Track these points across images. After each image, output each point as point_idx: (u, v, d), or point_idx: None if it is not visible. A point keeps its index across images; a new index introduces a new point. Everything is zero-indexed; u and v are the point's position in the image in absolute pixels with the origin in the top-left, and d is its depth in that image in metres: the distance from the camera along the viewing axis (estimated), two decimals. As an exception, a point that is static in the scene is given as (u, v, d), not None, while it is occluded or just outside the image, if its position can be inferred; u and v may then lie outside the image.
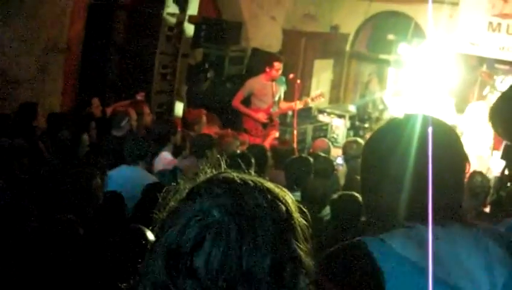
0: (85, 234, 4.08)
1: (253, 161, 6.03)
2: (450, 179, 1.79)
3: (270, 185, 1.38)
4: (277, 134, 9.81)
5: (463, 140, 1.95)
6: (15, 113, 7.18)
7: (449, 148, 1.82)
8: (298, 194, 5.69)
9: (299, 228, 1.36)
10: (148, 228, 3.38)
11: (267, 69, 9.44)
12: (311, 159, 6.59)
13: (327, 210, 5.63)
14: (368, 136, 1.98)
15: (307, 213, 1.42)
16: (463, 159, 1.86)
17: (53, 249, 3.85)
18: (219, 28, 11.90)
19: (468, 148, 2.03)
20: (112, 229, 4.53)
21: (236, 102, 9.59)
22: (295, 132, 9.89)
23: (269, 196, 1.33)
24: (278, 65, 9.39)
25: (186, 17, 10.01)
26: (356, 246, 1.72)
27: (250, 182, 1.35)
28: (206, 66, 11.28)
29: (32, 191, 5.30)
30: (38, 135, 6.89)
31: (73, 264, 3.89)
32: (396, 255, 1.67)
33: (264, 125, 9.58)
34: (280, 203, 1.34)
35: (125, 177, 5.94)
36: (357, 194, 5.04)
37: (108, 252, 3.76)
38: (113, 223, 4.88)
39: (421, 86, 9.99)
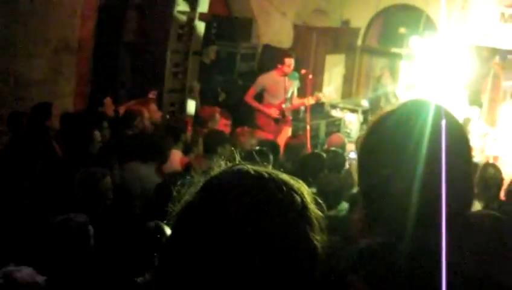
0: (95, 232, 4.10)
1: (271, 157, 6.03)
2: (462, 176, 1.73)
3: (285, 177, 1.37)
4: (290, 130, 9.79)
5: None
6: (29, 113, 7.20)
7: (460, 141, 1.77)
8: (314, 189, 5.68)
9: (315, 220, 1.35)
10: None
11: (279, 66, 9.40)
12: (324, 155, 6.60)
13: (343, 205, 5.62)
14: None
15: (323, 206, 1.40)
16: (470, 150, 1.81)
17: (65, 247, 3.87)
18: (230, 25, 11.90)
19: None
20: (121, 227, 4.56)
21: (249, 97, 9.58)
22: (308, 127, 9.87)
23: (284, 188, 1.32)
24: (288, 61, 9.36)
25: (197, 15, 10.00)
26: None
27: (265, 174, 1.33)
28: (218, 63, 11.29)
29: (46, 190, 5.34)
30: (52, 135, 6.90)
31: (85, 262, 3.91)
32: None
33: (276, 121, 9.56)
34: (295, 195, 1.33)
35: (138, 175, 5.95)
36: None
37: (126, 249, 3.77)
38: (123, 221, 4.90)
39: (434, 78, 9.93)
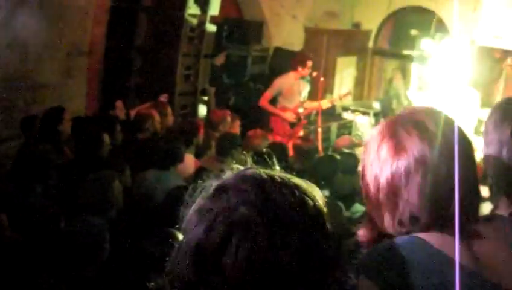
0: (110, 237, 4.10)
1: (274, 159, 6.01)
2: (471, 183, 1.75)
3: (297, 180, 1.36)
4: (301, 132, 9.75)
5: None
6: (41, 117, 7.21)
7: (467, 149, 1.77)
8: (326, 192, 5.67)
9: (327, 223, 1.33)
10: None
11: (300, 69, 9.33)
12: (336, 158, 6.57)
13: (357, 207, 5.59)
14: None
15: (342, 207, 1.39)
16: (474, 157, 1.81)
17: (83, 252, 3.86)
18: (241, 28, 11.90)
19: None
20: (135, 231, 4.55)
21: (264, 102, 9.49)
22: (319, 130, 9.84)
23: (297, 192, 1.31)
24: (309, 64, 9.34)
25: (208, 18, 10.00)
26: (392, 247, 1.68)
27: (278, 178, 1.33)
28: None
29: (58, 194, 5.34)
30: (63, 140, 6.91)
31: (101, 267, 3.91)
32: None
33: (292, 125, 9.52)
34: (308, 199, 1.32)
35: (158, 181, 5.94)
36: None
37: (139, 255, 3.76)
38: (136, 225, 4.90)
39: (446, 80, 9.89)
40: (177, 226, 1.35)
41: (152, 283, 1.39)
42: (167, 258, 1.34)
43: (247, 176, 1.33)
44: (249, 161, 1.43)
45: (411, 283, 1.60)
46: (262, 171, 1.34)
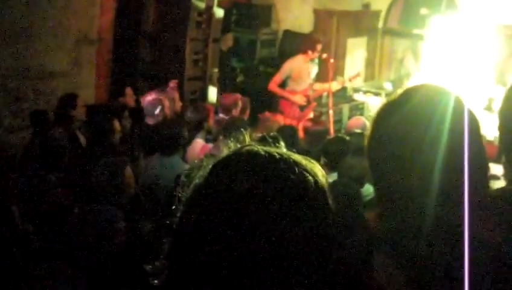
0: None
1: (282, 142, 5.96)
2: (478, 154, 1.73)
3: (297, 157, 1.33)
4: (311, 115, 9.69)
5: None
6: (55, 106, 7.22)
7: (472, 120, 1.75)
8: (335, 174, 5.61)
9: (329, 201, 1.30)
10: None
11: (310, 52, 9.28)
12: (348, 138, 6.51)
13: (368, 190, 5.54)
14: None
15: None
16: (480, 129, 1.78)
17: (96, 240, 3.86)
18: (249, 12, 11.86)
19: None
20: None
21: (274, 85, 9.43)
22: (331, 112, 9.78)
23: (296, 169, 1.28)
24: (319, 47, 9.29)
25: (215, 2, 9.96)
26: None
27: (276, 155, 1.30)
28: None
29: (71, 181, 5.34)
30: (77, 126, 6.94)
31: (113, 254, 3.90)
32: None
33: (301, 108, 9.47)
34: (308, 175, 1.28)
35: (162, 167, 5.93)
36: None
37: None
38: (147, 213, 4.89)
39: (458, 58, 9.81)
40: (174, 207, 1.33)
41: (149, 266, 1.37)
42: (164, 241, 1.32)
43: (243, 153, 1.31)
44: (247, 139, 1.39)
45: (424, 255, 1.60)
46: (260, 148, 1.31)
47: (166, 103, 7.66)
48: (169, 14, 9.78)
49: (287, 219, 1.21)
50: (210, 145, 6.89)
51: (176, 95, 8.34)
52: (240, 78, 10.99)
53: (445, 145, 1.67)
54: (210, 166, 1.32)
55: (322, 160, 6.06)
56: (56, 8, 8.01)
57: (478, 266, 1.56)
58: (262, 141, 1.41)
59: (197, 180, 1.32)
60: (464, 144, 1.63)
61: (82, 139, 6.72)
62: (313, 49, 9.23)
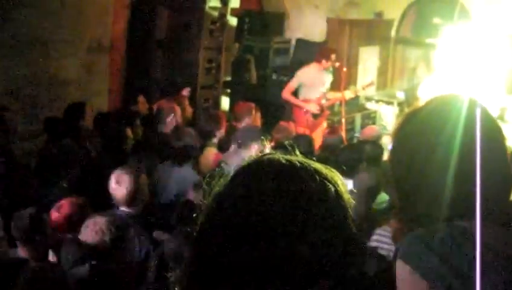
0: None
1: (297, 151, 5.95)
2: (498, 165, 1.74)
3: (318, 165, 1.33)
4: (325, 124, 9.69)
5: None
6: (63, 113, 7.23)
7: (494, 132, 1.77)
8: (350, 182, 5.60)
9: (349, 209, 1.30)
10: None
11: (324, 61, 9.28)
12: (362, 147, 6.50)
13: (382, 198, 5.52)
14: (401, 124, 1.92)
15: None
16: (505, 140, 1.80)
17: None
18: (262, 20, 11.90)
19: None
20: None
21: (287, 93, 9.43)
22: (343, 120, 9.77)
23: (317, 177, 1.27)
24: (334, 57, 9.29)
25: (229, 10, 9.99)
26: None
27: (297, 163, 1.29)
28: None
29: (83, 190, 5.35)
30: (86, 135, 6.93)
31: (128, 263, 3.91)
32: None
33: (315, 116, 9.46)
34: (329, 184, 1.28)
35: (173, 176, 5.94)
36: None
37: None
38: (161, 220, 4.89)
39: (470, 68, 9.78)
40: (195, 214, 1.33)
41: (170, 274, 1.37)
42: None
43: (264, 162, 1.30)
44: (268, 148, 1.39)
45: (453, 268, 1.60)
46: (281, 157, 1.31)
47: (178, 111, 7.67)
48: (182, 22, 9.81)
49: (308, 227, 1.20)
50: (223, 153, 6.88)
51: (186, 102, 8.34)
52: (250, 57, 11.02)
53: (457, 154, 1.69)
54: (231, 174, 1.32)
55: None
56: (70, 16, 8.05)
57: (490, 277, 1.56)
58: (281, 149, 1.41)
59: (217, 188, 1.32)
60: (476, 153, 1.60)
61: (91, 148, 6.72)
62: (328, 59, 9.23)
